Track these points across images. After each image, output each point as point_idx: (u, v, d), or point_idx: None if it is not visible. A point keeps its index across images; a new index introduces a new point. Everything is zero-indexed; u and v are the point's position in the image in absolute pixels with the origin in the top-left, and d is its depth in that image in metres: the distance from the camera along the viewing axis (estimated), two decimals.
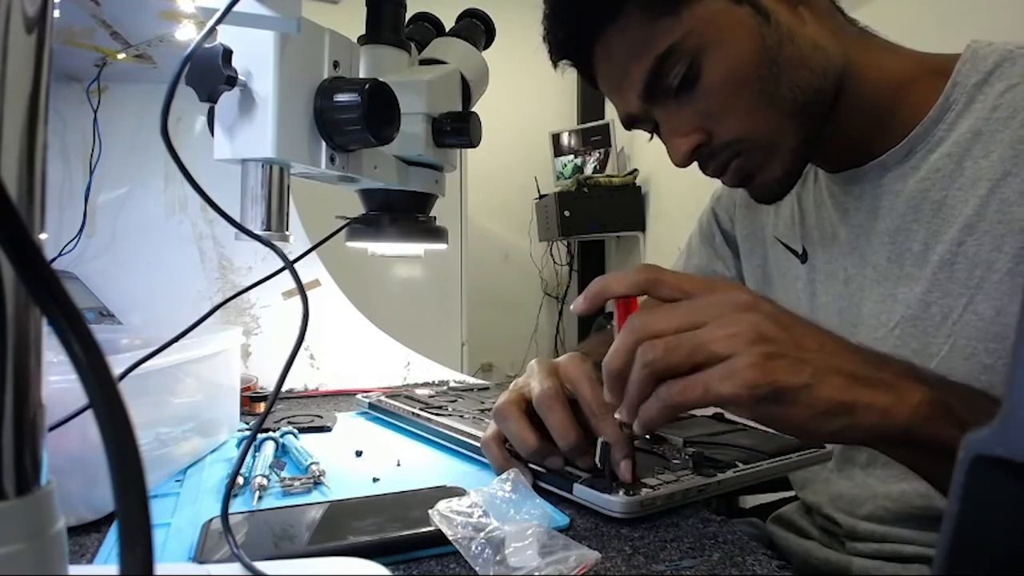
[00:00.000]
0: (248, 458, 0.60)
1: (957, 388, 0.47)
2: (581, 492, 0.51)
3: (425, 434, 0.72)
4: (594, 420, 0.51)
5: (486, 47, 0.71)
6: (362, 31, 0.61)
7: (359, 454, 0.66)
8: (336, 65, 0.49)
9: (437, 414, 0.74)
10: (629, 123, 0.66)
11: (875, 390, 0.41)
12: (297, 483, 0.55)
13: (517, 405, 0.54)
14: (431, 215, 0.66)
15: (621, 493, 0.49)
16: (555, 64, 0.68)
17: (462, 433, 0.67)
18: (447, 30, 0.70)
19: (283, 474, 0.57)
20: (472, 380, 1.08)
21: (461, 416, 0.74)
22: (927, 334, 0.59)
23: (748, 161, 0.62)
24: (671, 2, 0.58)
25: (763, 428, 0.68)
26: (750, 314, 0.42)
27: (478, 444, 0.61)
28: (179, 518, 0.50)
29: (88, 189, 1.02)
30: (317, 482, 0.57)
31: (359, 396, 0.87)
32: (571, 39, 0.66)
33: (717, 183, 0.68)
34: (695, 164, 0.64)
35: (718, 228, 0.88)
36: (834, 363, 0.42)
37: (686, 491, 0.51)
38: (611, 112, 3.54)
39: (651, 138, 0.67)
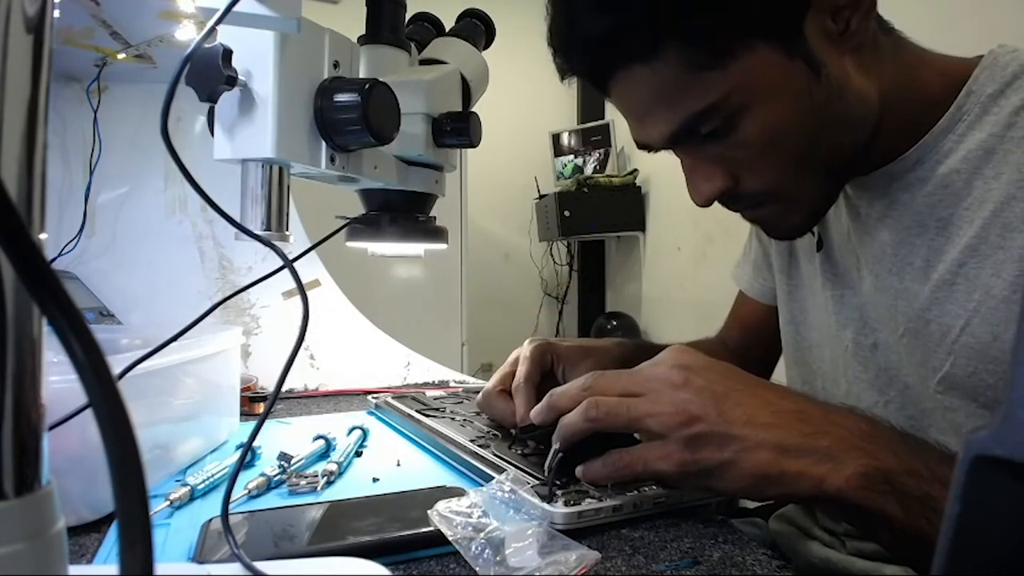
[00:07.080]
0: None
1: (925, 453, 0.45)
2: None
3: (418, 438, 0.72)
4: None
5: (486, 47, 0.71)
6: (362, 31, 0.61)
7: (359, 455, 0.66)
8: (336, 65, 0.49)
9: (430, 416, 0.74)
10: (643, 148, 0.61)
11: (805, 459, 0.45)
12: (303, 482, 0.56)
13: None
14: (431, 215, 0.66)
15: (560, 504, 0.47)
16: (563, 78, 0.60)
17: (443, 437, 0.66)
18: (447, 30, 0.70)
19: (291, 468, 0.58)
20: (472, 381, 1.08)
21: (452, 419, 0.73)
22: (928, 349, 0.57)
23: (770, 211, 0.60)
24: (719, 55, 0.50)
25: None
26: (681, 392, 0.48)
27: (457, 451, 0.62)
28: (179, 518, 0.50)
29: (88, 189, 1.02)
30: (329, 482, 0.57)
31: (369, 398, 0.87)
32: (589, 72, 0.57)
33: None
34: None
35: None
36: (761, 437, 0.46)
37: (637, 503, 0.49)
38: (611, 112, 3.54)
39: (656, 152, 0.61)
